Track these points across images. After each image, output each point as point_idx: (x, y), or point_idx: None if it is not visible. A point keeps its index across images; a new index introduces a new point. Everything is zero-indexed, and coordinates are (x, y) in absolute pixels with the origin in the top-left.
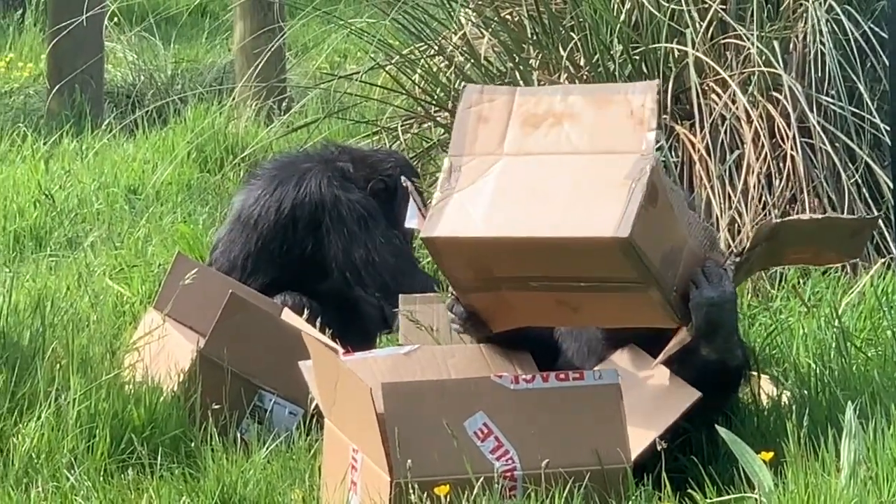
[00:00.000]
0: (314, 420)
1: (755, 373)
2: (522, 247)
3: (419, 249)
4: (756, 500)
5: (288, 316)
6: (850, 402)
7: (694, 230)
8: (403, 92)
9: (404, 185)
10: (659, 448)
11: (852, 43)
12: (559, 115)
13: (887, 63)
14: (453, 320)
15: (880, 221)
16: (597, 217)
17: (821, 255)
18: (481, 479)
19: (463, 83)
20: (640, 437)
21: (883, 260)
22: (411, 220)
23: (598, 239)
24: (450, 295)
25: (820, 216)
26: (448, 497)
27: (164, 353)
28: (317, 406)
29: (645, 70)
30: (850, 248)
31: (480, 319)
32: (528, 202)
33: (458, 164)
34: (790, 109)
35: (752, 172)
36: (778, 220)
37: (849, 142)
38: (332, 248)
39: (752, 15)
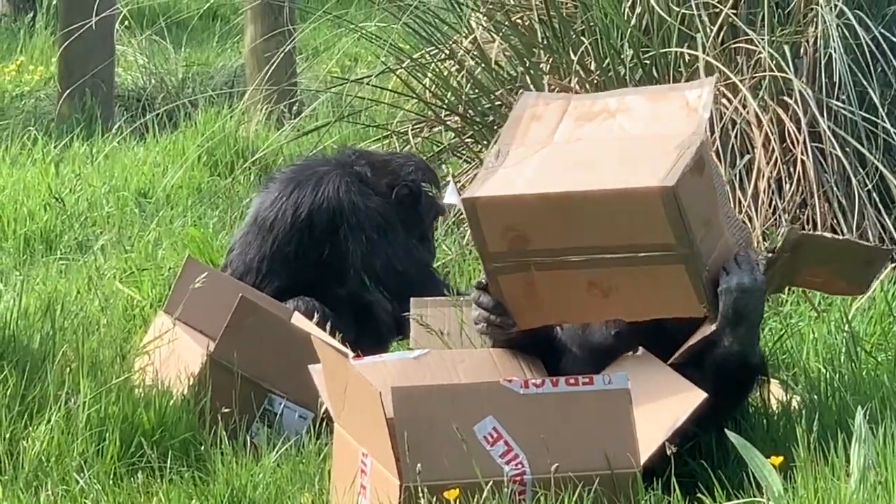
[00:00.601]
0: (324, 424)
1: (765, 377)
2: (563, 204)
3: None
4: None
5: (298, 320)
6: (859, 407)
7: (731, 224)
8: (414, 96)
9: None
10: (668, 452)
11: (863, 48)
12: (613, 111)
13: None
14: (478, 318)
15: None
16: (642, 173)
17: (832, 283)
18: (491, 483)
19: (473, 87)
20: (650, 441)
21: (893, 265)
22: (450, 197)
23: (642, 189)
24: (474, 289)
25: (840, 237)
26: (458, 501)
27: (174, 356)
28: (326, 410)
29: (655, 74)
30: (861, 278)
31: (506, 312)
32: (574, 169)
33: (505, 150)
34: (801, 114)
35: (763, 177)
36: (803, 232)
37: (859, 147)
38: (350, 254)
39: (762, 19)
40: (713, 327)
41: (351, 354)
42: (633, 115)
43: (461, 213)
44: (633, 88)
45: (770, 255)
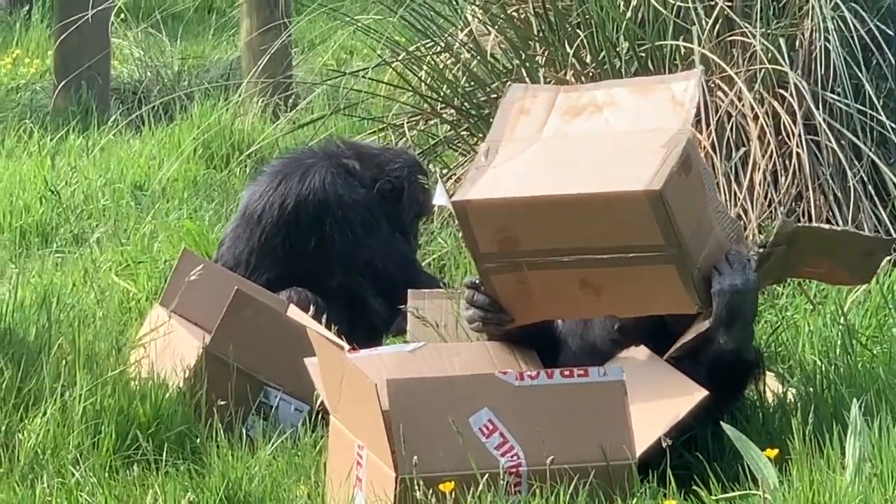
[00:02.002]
0: (319, 416)
1: (760, 370)
2: (551, 207)
3: (425, 246)
4: (761, 497)
5: (294, 312)
6: (855, 400)
7: (721, 219)
8: (410, 89)
9: (433, 172)
10: (664, 445)
11: (858, 40)
12: (600, 105)
13: (893, 61)
14: (472, 317)
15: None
16: (629, 175)
17: (833, 274)
18: (486, 475)
19: (469, 80)
20: (646, 435)
21: (889, 258)
22: (439, 198)
23: (629, 193)
24: (467, 288)
25: (839, 228)
26: (453, 493)
27: (169, 349)
28: (322, 402)
29: (651, 67)
30: (862, 269)
31: (501, 309)
32: (562, 169)
33: (494, 147)
34: (796, 107)
35: (758, 169)
36: (798, 224)
37: (854, 139)
38: (335, 247)
39: (758, 12)
40: (707, 324)
41: (347, 347)
42: (621, 109)
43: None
44: (620, 80)
45: (762, 249)
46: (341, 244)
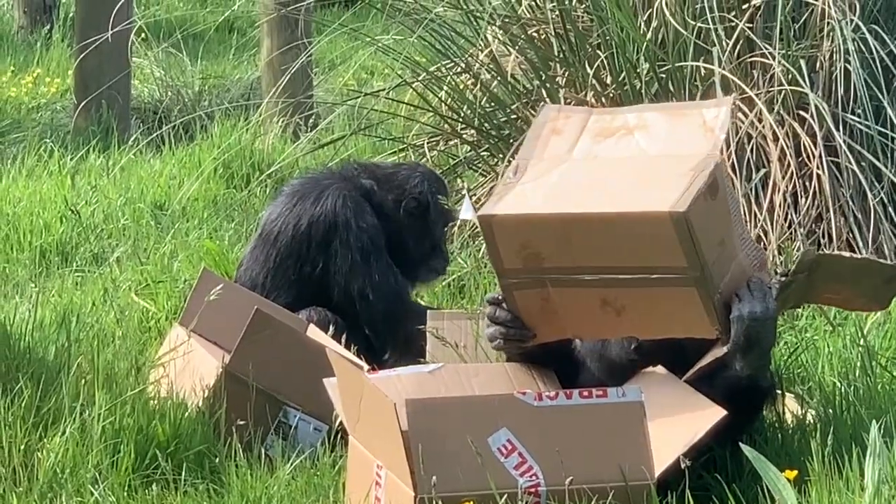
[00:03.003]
0: (339, 436)
1: (780, 391)
2: (576, 225)
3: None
4: None
5: (313, 332)
6: (874, 421)
7: (746, 246)
8: (430, 109)
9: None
10: (683, 466)
11: (879, 62)
12: (631, 128)
13: None
14: (493, 334)
15: None
16: (655, 197)
17: (852, 301)
18: (505, 495)
19: (489, 101)
20: (665, 455)
21: None
22: (466, 213)
23: (654, 214)
24: (489, 305)
25: (860, 256)
26: None
27: (189, 368)
28: (341, 423)
29: (671, 88)
30: (882, 295)
31: (523, 325)
32: (589, 189)
33: (524, 165)
34: (816, 128)
35: (778, 191)
36: (820, 252)
37: (875, 161)
38: (337, 271)
39: (778, 34)
40: (725, 350)
41: (366, 367)
42: (651, 133)
43: (476, 227)
44: (653, 105)
45: (783, 278)
46: (341, 268)
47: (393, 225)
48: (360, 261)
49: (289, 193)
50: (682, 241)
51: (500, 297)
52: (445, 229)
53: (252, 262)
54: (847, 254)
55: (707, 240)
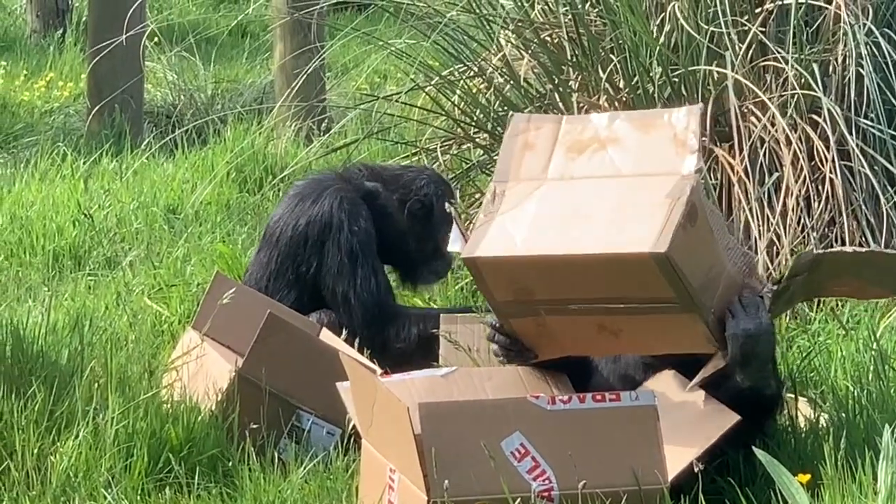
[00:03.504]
0: (352, 440)
1: (792, 395)
2: (561, 265)
3: (458, 270)
4: None
5: (326, 336)
6: (887, 425)
7: (733, 255)
8: (443, 113)
9: (447, 210)
10: (696, 470)
11: (892, 66)
12: (603, 141)
13: None
14: (497, 351)
15: None
16: (635, 234)
17: (866, 290)
18: (518, 499)
19: (502, 104)
20: (678, 459)
21: None
22: (455, 244)
23: (635, 255)
24: (488, 327)
25: (863, 249)
26: None
27: (202, 372)
28: (354, 426)
29: (684, 92)
30: (891, 282)
31: (524, 347)
32: (570, 223)
33: (501, 189)
34: (829, 132)
35: (791, 195)
36: (819, 252)
37: (888, 165)
38: (326, 271)
39: (791, 38)
40: (723, 362)
41: (379, 371)
42: (623, 147)
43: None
44: (622, 113)
45: (776, 286)
46: (331, 269)
47: (396, 226)
48: (347, 263)
49: (291, 195)
50: (666, 276)
51: (497, 324)
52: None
53: (257, 265)
54: (849, 249)
55: (692, 268)
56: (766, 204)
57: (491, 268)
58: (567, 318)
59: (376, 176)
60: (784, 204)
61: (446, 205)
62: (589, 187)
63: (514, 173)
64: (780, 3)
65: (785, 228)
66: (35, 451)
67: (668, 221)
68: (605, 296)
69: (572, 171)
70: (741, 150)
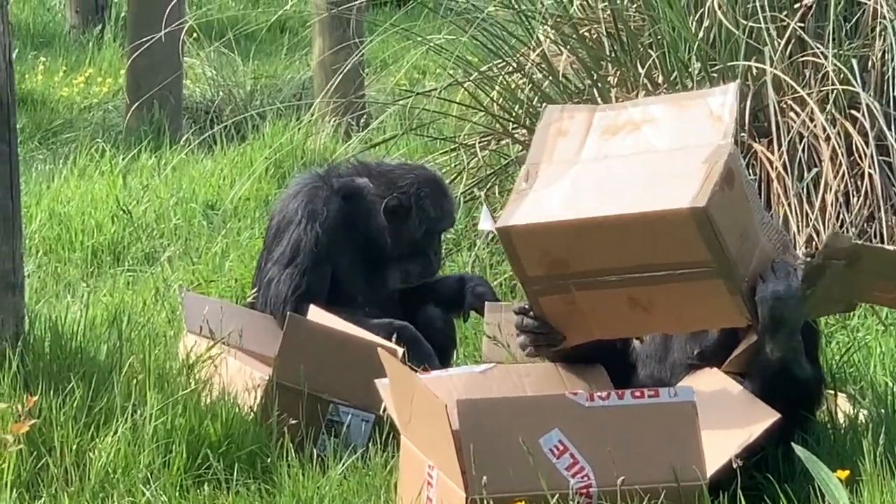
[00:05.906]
0: (391, 436)
1: (832, 391)
2: (596, 230)
3: (496, 265)
4: None
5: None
6: None
7: (767, 230)
8: (481, 109)
9: (436, 212)
10: (735, 466)
11: None
12: (638, 123)
13: None
14: (523, 342)
15: None
16: (672, 194)
17: None
18: (556, 495)
19: (541, 100)
20: (717, 456)
21: None
22: (485, 223)
23: (674, 211)
24: (515, 314)
25: None
26: None
27: (241, 369)
28: (390, 417)
29: None
30: None
31: (552, 329)
32: (605, 192)
33: (535, 170)
34: (868, 127)
35: (830, 190)
36: (857, 241)
37: None
38: (270, 254)
39: (830, 33)
40: (755, 336)
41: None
42: (659, 127)
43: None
44: (656, 97)
45: (809, 259)
46: (273, 254)
47: (375, 223)
48: (287, 254)
49: (287, 193)
50: (704, 235)
51: (526, 306)
52: (434, 237)
53: (259, 262)
54: (890, 247)
55: (728, 230)
56: (804, 199)
57: (524, 237)
58: (598, 293)
59: (367, 172)
60: (823, 199)
61: (475, 190)
62: (624, 162)
63: (548, 156)
64: None
65: (824, 224)
66: (74, 447)
67: (707, 181)
68: (639, 262)
69: (606, 150)
70: (780, 145)
